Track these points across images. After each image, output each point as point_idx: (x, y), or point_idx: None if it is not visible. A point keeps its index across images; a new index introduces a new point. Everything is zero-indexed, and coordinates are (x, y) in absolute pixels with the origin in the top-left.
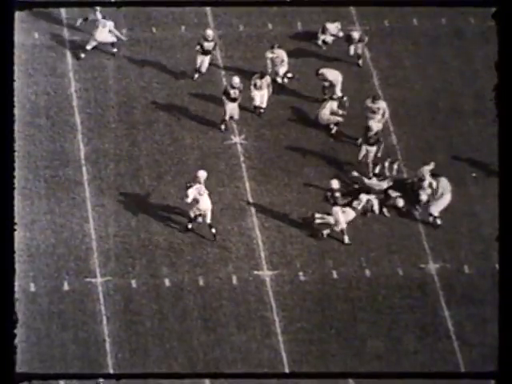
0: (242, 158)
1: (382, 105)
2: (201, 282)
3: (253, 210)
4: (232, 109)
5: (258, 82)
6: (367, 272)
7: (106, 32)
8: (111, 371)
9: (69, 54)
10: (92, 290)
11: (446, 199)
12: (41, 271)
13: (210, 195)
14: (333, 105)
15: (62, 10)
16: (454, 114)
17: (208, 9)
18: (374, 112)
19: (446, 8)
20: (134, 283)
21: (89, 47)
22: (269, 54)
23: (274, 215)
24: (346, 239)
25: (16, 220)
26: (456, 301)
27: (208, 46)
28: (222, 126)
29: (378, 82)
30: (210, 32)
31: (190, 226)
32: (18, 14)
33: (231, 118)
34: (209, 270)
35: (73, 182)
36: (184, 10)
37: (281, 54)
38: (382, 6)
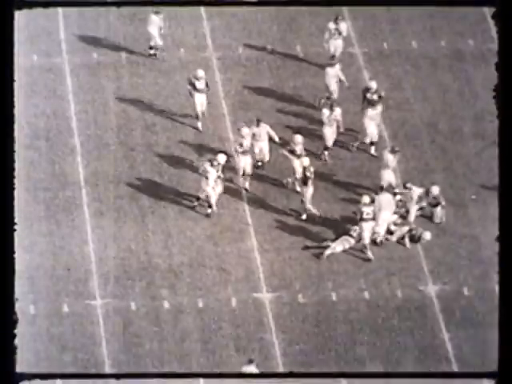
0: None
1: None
2: (200, 304)
3: (252, 232)
4: (201, 100)
5: (257, 131)
6: (366, 294)
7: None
8: None
9: (68, 76)
10: (91, 313)
11: (386, 216)
12: (40, 293)
13: (209, 218)
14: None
15: (62, 31)
16: (454, 136)
17: (207, 32)
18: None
19: (445, 30)
20: (133, 305)
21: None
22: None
23: (273, 237)
24: (370, 254)
25: (15, 242)
26: (455, 323)
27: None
28: (199, 124)
29: None
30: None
31: (195, 203)
32: (17, 36)
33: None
34: (208, 292)
35: (72, 204)
36: (183, 32)
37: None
38: (381, 6)
